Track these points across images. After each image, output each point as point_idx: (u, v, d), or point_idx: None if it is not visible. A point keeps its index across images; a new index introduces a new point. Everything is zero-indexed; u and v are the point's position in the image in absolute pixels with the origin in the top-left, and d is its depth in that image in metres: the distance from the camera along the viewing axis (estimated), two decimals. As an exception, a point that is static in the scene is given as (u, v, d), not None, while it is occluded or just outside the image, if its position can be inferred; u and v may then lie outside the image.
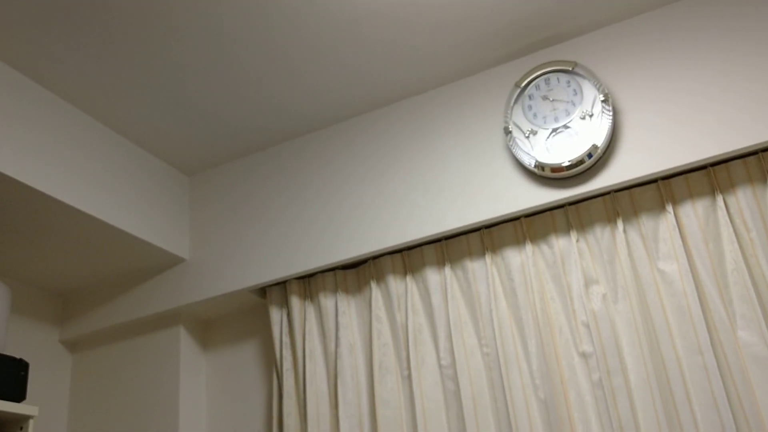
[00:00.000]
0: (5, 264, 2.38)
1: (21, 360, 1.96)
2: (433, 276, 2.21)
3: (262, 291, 2.46)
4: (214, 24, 1.97)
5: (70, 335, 2.58)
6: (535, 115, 2.11)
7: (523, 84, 2.14)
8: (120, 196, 2.29)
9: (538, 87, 2.13)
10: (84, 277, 2.54)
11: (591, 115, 2.03)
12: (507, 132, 2.12)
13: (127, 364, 2.51)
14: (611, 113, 2.00)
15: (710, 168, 2.00)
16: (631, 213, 2.05)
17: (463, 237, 2.22)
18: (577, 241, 2.07)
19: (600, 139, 1.99)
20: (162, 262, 2.49)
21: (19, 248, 2.30)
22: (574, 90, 2.08)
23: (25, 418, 1.94)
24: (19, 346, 2.44)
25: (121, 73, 2.11)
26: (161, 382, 2.42)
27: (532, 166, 2.05)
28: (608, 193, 2.08)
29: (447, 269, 2.19)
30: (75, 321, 2.59)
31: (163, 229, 2.43)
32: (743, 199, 1.94)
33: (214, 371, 2.55)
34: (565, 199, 2.05)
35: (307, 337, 2.28)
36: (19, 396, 1.93)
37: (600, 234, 2.06)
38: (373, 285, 2.26)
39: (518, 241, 2.14)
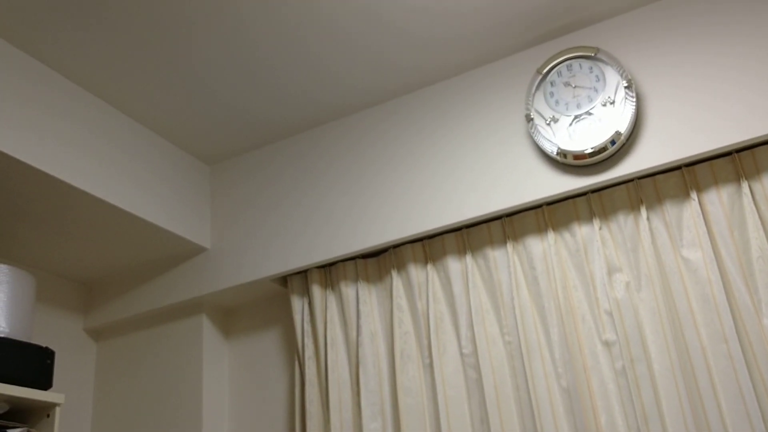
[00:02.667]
0: (30, 253, 2.41)
1: (47, 348, 1.98)
2: (454, 264, 2.21)
3: (284, 280, 2.47)
4: (233, 15, 1.97)
5: (94, 324, 2.61)
6: (557, 102, 2.09)
7: (545, 70, 2.12)
8: (142, 185, 2.30)
9: (560, 73, 2.11)
10: (107, 267, 2.57)
11: (614, 102, 2.01)
12: (529, 119, 2.10)
13: (150, 352, 2.54)
14: (634, 99, 1.98)
15: (735, 154, 1.97)
16: (655, 200, 2.03)
17: (484, 225, 2.21)
18: (600, 228, 2.06)
19: (623, 125, 1.97)
20: (184, 252, 2.51)
21: (44, 238, 2.33)
22: (597, 76, 2.06)
23: (51, 406, 1.97)
24: (45, 334, 2.47)
25: (144, 64, 2.12)
26: (184, 370, 2.44)
27: (554, 153, 2.04)
28: (631, 180, 2.06)
29: (468, 258, 2.19)
30: (99, 310, 2.62)
31: (184, 218, 2.45)
32: (769, 185, 1.91)
33: (237, 359, 2.57)
34: (587, 186, 2.03)
35: (328, 325, 2.29)
36: (45, 384, 1.96)
37: (623, 222, 2.05)
38: (394, 274, 2.26)
39: (540, 230, 2.13)
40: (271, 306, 2.59)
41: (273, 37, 2.07)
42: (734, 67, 1.94)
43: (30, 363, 1.93)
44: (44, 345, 2.44)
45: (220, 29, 2.02)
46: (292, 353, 2.49)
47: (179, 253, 2.51)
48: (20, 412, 1.99)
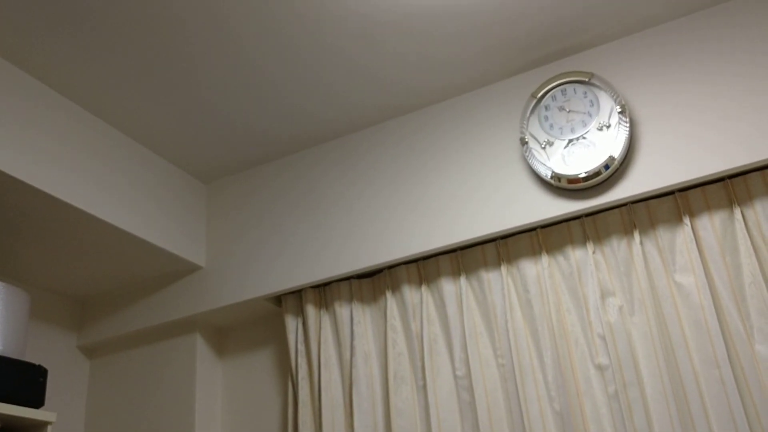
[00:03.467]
0: (25, 270, 2.41)
1: (40, 366, 1.98)
2: (448, 286, 2.21)
3: (278, 299, 2.47)
4: (232, 34, 1.98)
5: (87, 341, 2.60)
6: (551, 126, 2.10)
7: (540, 95, 2.14)
8: (138, 203, 2.31)
9: (554, 98, 2.13)
10: (102, 284, 2.57)
11: (608, 126, 2.03)
12: (523, 143, 2.12)
13: (143, 370, 2.53)
14: (628, 124, 2.00)
15: (728, 180, 1.99)
16: (648, 225, 2.04)
17: (478, 247, 2.22)
18: (594, 252, 2.07)
19: (617, 150, 1.99)
20: (179, 270, 2.51)
21: (39, 255, 2.33)
22: (591, 101, 2.08)
23: (43, 424, 1.96)
24: (37, 351, 2.47)
25: (141, 82, 2.13)
26: (177, 389, 2.44)
27: (549, 177, 2.05)
28: (625, 204, 2.07)
29: (462, 279, 2.19)
30: (93, 327, 2.62)
31: (180, 236, 2.45)
32: (761, 211, 1.93)
33: (230, 379, 2.57)
34: (581, 210, 2.05)
35: (322, 345, 2.29)
36: (37, 402, 1.95)
37: (616, 246, 2.06)
38: (389, 294, 2.27)
39: (534, 252, 2.14)
40: (265, 325, 2.59)
41: (271, 59, 2.09)
42: (726, 95, 1.97)
43: (22, 381, 1.92)
44: (36, 362, 2.43)
45: (218, 50, 2.04)
46: (286, 373, 2.48)
47: (174, 271, 2.51)
48: (12, 430, 1.98)
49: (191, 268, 2.51)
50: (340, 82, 2.22)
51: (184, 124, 2.33)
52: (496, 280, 2.17)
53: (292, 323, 2.38)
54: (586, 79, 2.10)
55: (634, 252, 2.03)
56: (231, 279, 2.45)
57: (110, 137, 2.29)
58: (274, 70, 2.14)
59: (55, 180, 2.03)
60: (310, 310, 2.34)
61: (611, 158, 1.99)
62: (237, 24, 1.95)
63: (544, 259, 2.11)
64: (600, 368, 1.96)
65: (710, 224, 1.97)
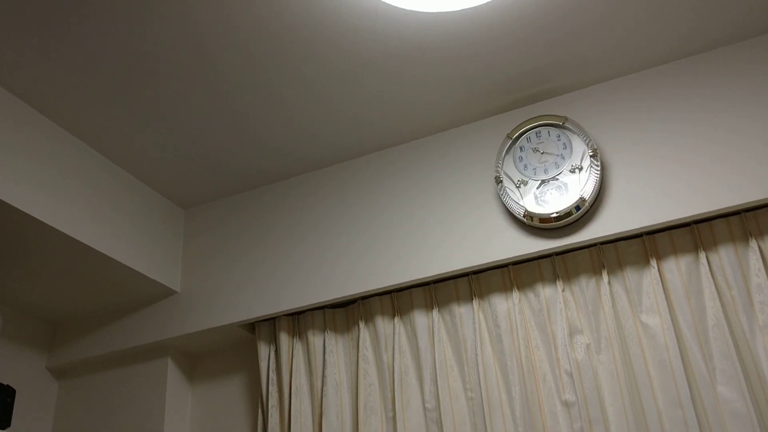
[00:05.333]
0: (-4, 289, 2.40)
1: (8, 387, 1.97)
2: (420, 319, 2.24)
3: (251, 326, 2.48)
4: (214, 70, 2.02)
5: (57, 362, 2.58)
6: (525, 167, 2.16)
7: (515, 135, 2.21)
8: (114, 225, 2.31)
9: (529, 139, 2.19)
10: (74, 305, 2.55)
11: (580, 169, 2.09)
12: (498, 181, 2.17)
13: (112, 394, 2.51)
14: (599, 168, 2.06)
15: (694, 225, 2.05)
16: (616, 266, 2.10)
17: (451, 281, 2.26)
18: (563, 290, 2.12)
19: (588, 192, 2.05)
20: (153, 294, 2.51)
21: (11, 274, 2.32)
22: (564, 144, 2.14)
23: (9, 446, 1.95)
24: (4, 371, 2.44)
25: (123, 107, 2.16)
26: (146, 414, 2.42)
27: (521, 215, 2.11)
28: (594, 245, 2.13)
29: (435, 312, 2.23)
30: (63, 348, 2.60)
31: (156, 260, 2.45)
32: (725, 257, 1.99)
33: (200, 405, 2.56)
34: (552, 249, 2.10)
35: (293, 374, 2.29)
36: (4, 423, 1.94)
37: (585, 285, 2.11)
38: (362, 325, 2.29)
39: (505, 288, 2.18)
40: (237, 352, 2.59)
41: (253, 95, 2.13)
42: (695, 142, 2.04)
43: (-10, 401, 1.91)
44: (4, 383, 2.41)
45: (203, 80, 2.07)
46: (256, 401, 2.48)
47: (148, 294, 2.51)
48: (-24, 450, 1.97)
49: (166, 293, 2.51)
50: (319, 122, 2.26)
51: (165, 149, 2.36)
52: (468, 315, 2.20)
53: (264, 351, 2.39)
54: (560, 123, 2.16)
55: (602, 291, 2.08)
56: (205, 304, 2.45)
57: (89, 158, 2.30)
58: (256, 108, 2.17)
59: (31, 198, 2.03)
60: (283, 338, 2.36)
61: (582, 200, 2.05)
62: (219, 60, 1.99)
63: (515, 295, 2.15)
64: (566, 405, 1.99)
65: (676, 267, 2.03)
